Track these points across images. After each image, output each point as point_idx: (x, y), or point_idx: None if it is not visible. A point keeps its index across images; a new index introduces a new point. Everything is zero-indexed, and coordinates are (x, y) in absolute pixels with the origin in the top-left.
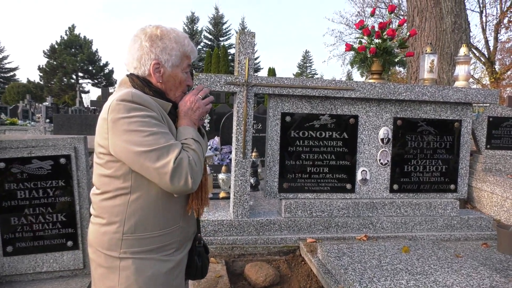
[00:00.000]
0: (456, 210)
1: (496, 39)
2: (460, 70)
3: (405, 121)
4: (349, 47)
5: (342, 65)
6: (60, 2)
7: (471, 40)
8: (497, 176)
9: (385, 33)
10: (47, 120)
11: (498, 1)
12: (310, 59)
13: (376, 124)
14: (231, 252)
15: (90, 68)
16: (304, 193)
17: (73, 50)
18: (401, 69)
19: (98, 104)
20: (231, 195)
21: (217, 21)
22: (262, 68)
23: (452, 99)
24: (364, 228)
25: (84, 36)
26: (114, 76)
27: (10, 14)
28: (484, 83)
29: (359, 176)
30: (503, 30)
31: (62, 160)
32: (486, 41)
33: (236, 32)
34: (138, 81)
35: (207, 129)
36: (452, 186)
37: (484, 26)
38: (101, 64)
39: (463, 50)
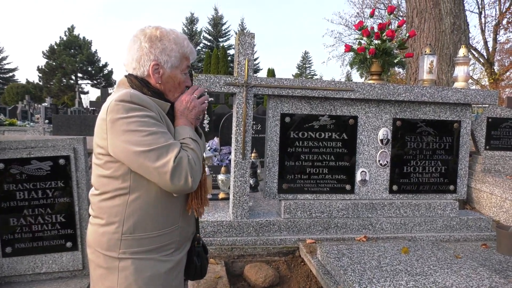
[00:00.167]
0: (455, 211)
1: (495, 40)
2: (459, 71)
3: (405, 122)
4: (349, 48)
5: (342, 66)
6: (60, 3)
7: (470, 41)
8: (496, 177)
9: (384, 34)
10: (46, 121)
11: (497, 2)
12: (310, 60)
13: (375, 125)
14: (230, 253)
15: (90, 68)
16: (303, 194)
17: (72, 50)
18: (400, 70)
19: (97, 104)
20: (231, 196)
21: (217, 22)
22: (262, 69)
23: (451, 100)
24: (364, 229)
25: (84, 37)
26: (114, 76)
27: (10, 15)
28: (483, 84)
29: (358, 177)
30: (502, 31)
31: (61, 161)
32: (485, 42)
33: (236, 33)
34: (137, 81)
35: (206, 129)
36: (452, 187)
37: (483, 27)
38: (101, 65)
39: (462, 51)
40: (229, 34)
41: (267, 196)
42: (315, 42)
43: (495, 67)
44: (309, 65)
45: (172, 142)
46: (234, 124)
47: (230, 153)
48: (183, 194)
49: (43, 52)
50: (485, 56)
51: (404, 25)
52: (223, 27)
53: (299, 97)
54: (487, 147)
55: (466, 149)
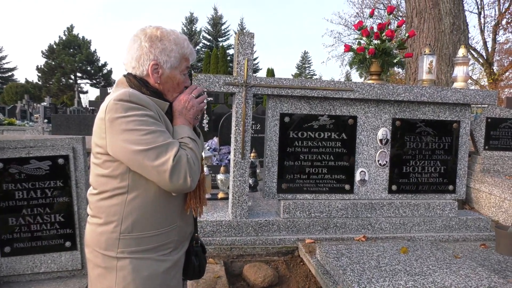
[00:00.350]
0: (454, 211)
1: (494, 40)
2: (459, 71)
3: (404, 122)
4: (348, 48)
5: (341, 66)
6: (59, 2)
7: (469, 41)
8: (495, 177)
9: (384, 34)
10: (45, 120)
11: (497, 2)
12: (309, 60)
13: (374, 125)
14: (229, 253)
15: (89, 68)
16: (302, 193)
17: (71, 50)
18: (400, 70)
19: (97, 104)
20: (230, 196)
21: (216, 22)
22: (261, 69)
23: (450, 100)
24: (363, 229)
25: (83, 36)
26: (113, 76)
27: (9, 14)
28: (483, 84)
29: (357, 177)
30: (501, 32)
31: (60, 161)
32: (485, 42)
33: (235, 33)
34: (136, 81)
35: (205, 129)
36: (451, 187)
37: (483, 27)
38: (100, 64)
39: (461, 51)
40: (228, 34)
41: (266, 196)
42: (314, 42)
43: (494, 67)
44: (308, 65)
45: (171, 141)
46: (233, 123)
47: (229, 152)
48: (181, 193)
49: (42, 51)
50: (485, 56)
51: (404, 25)
52: (223, 27)
53: (298, 97)
54: (486, 147)
55: (465, 149)
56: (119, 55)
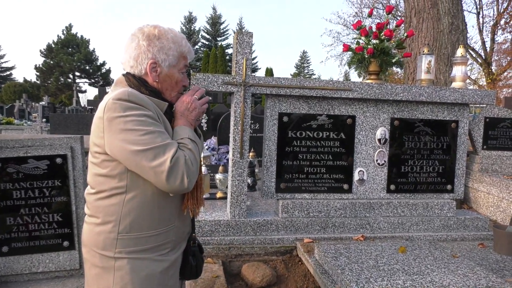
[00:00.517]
0: (452, 211)
1: (492, 40)
2: (457, 71)
3: (402, 122)
4: (347, 48)
5: (340, 65)
6: (57, 1)
7: (468, 41)
8: (493, 177)
9: (382, 33)
10: (44, 120)
11: (495, 2)
12: (308, 60)
13: (373, 125)
14: (228, 252)
15: (87, 67)
16: (301, 193)
17: (70, 49)
18: (398, 69)
19: (95, 103)
20: (228, 195)
21: (215, 21)
22: (260, 68)
23: (449, 100)
24: (361, 228)
25: (81, 36)
26: (111, 75)
27: (7, 13)
28: (481, 84)
29: (356, 177)
30: (499, 32)
31: (59, 160)
32: (483, 42)
33: (234, 32)
34: (134, 80)
35: (204, 129)
36: (449, 187)
37: (481, 27)
38: (98, 64)
39: (460, 51)
40: (227, 33)
41: (265, 195)
42: (313, 42)
43: (492, 67)
44: (307, 65)
45: (169, 142)
46: (232, 123)
47: (228, 152)
48: (179, 194)
49: (40, 50)
50: (483, 56)
51: (402, 25)
52: (222, 26)
53: (297, 97)
54: (485, 147)
55: (464, 149)
56: (118, 54)
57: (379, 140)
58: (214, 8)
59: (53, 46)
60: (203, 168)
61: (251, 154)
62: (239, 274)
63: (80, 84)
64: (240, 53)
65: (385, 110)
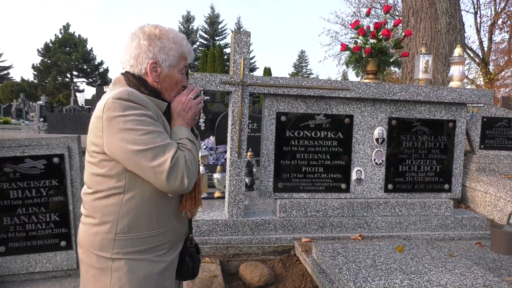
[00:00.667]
0: (450, 210)
1: (490, 40)
2: (455, 71)
3: (400, 121)
4: (345, 47)
5: (338, 65)
6: (55, 0)
7: (465, 41)
8: (490, 176)
9: (380, 33)
10: (41, 119)
11: (493, 2)
12: (306, 59)
13: (371, 124)
14: (225, 252)
15: (85, 67)
16: (299, 192)
17: (67, 48)
18: (396, 69)
19: (93, 103)
20: (226, 195)
21: (213, 21)
22: (258, 68)
23: (446, 100)
24: (359, 228)
25: (79, 35)
26: (109, 75)
27: (4, 12)
28: (479, 83)
29: (354, 176)
30: (497, 31)
31: (56, 160)
32: (481, 42)
33: (232, 32)
34: (134, 79)
35: (202, 128)
36: (446, 186)
37: (479, 27)
38: (96, 63)
39: (457, 51)
40: (225, 33)
41: (263, 195)
42: (311, 41)
43: (490, 67)
44: (305, 64)
45: (169, 142)
46: (229, 123)
47: (226, 151)
48: (178, 194)
49: (38, 50)
50: (481, 56)
51: (400, 25)
52: (220, 26)
53: (295, 96)
54: (482, 146)
55: (461, 148)
56: (116, 53)
57: (377, 139)
58: (212, 8)
59: (50, 45)
60: (201, 168)
61: (249, 153)
62: (237, 274)
63: (78, 84)
64: (238, 53)
65: (382, 110)
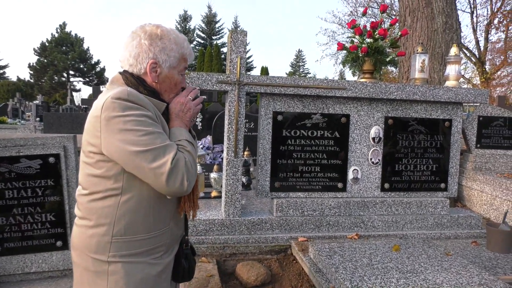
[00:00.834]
0: (446, 209)
1: (486, 39)
2: (451, 70)
3: (396, 120)
4: (341, 46)
5: (335, 64)
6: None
7: (462, 40)
8: (487, 175)
9: (376, 32)
10: (38, 119)
11: (489, 2)
12: (303, 58)
13: (367, 123)
14: (222, 252)
15: (82, 66)
16: (295, 192)
17: (64, 48)
18: (393, 68)
19: (89, 102)
20: (223, 194)
21: (210, 20)
22: (255, 67)
23: (442, 99)
24: (356, 227)
25: (75, 34)
26: (106, 74)
27: (0, 11)
28: (475, 83)
29: (350, 175)
30: (493, 31)
31: (51, 159)
32: (477, 42)
33: (229, 31)
34: (133, 79)
35: (199, 128)
36: (443, 185)
37: (475, 26)
38: (93, 62)
39: (453, 50)
40: (222, 32)
41: (260, 194)
42: (308, 41)
43: (486, 66)
44: (302, 64)
45: (169, 143)
46: (226, 122)
47: (222, 151)
48: (176, 196)
49: (34, 49)
50: (477, 55)
51: (397, 24)
52: (217, 25)
53: (291, 95)
54: (478, 145)
55: (457, 147)
56: (113, 53)
57: (373, 138)
58: (209, 7)
59: (47, 44)
60: (198, 167)
61: (246, 153)
62: (234, 273)
63: (74, 83)
64: (234, 52)
65: (379, 109)
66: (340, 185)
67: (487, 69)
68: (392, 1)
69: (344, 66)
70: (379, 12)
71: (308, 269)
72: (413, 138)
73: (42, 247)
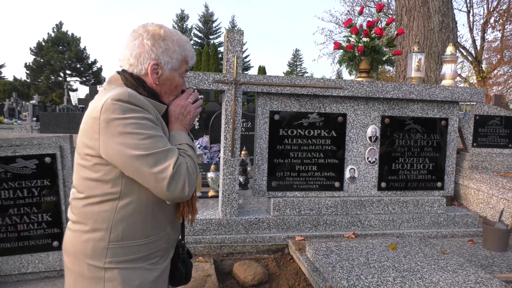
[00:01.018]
0: (443, 208)
1: (483, 38)
2: (447, 69)
3: (393, 120)
4: (338, 46)
5: (332, 63)
6: None
7: (458, 40)
8: (483, 174)
9: (373, 31)
10: (34, 119)
11: (485, 1)
12: (300, 58)
13: (364, 123)
14: (219, 251)
15: (78, 66)
16: (292, 191)
17: (60, 47)
18: (390, 67)
19: (86, 102)
20: (220, 194)
21: (207, 19)
22: (253, 67)
23: (439, 98)
24: (352, 226)
25: (72, 34)
26: (103, 74)
27: None
28: (472, 82)
29: (347, 174)
30: (489, 30)
31: (47, 159)
32: (473, 41)
33: (226, 30)
34: (132, 79)
35: (196, 127)
36: (439, 184)
37: (471, 25)
38: (89, 62)
39: (450, 49)
40: (220, 32)
41: (256, 193)
42: (306, 40)
43: (483, 65)
44: (300, 63)
45: (170, 148)
46: (223, 121)
47: (220, 150)
48: (176, 202)
49: (30, 48)
50: (473, 54)
51: (393, 23)
52: (214, 24)
53: (288, 95)
54: (475, 144)
55: (454, 146)
56: (110, 52)
57: (370, 138)
58: (206, 6)
59: (43, 44)
60: None
61: (243, 152)
62: (231, 273)
63: (71, 83)
64: (231, 51)
65: (375, 108)
66: (337, 184)
67: (483, 68)
68: (389, 0)
69: (340, 65)
70: (375, 11)
71: (305, 268)
72: (410, 137)
73: (38, 247)
